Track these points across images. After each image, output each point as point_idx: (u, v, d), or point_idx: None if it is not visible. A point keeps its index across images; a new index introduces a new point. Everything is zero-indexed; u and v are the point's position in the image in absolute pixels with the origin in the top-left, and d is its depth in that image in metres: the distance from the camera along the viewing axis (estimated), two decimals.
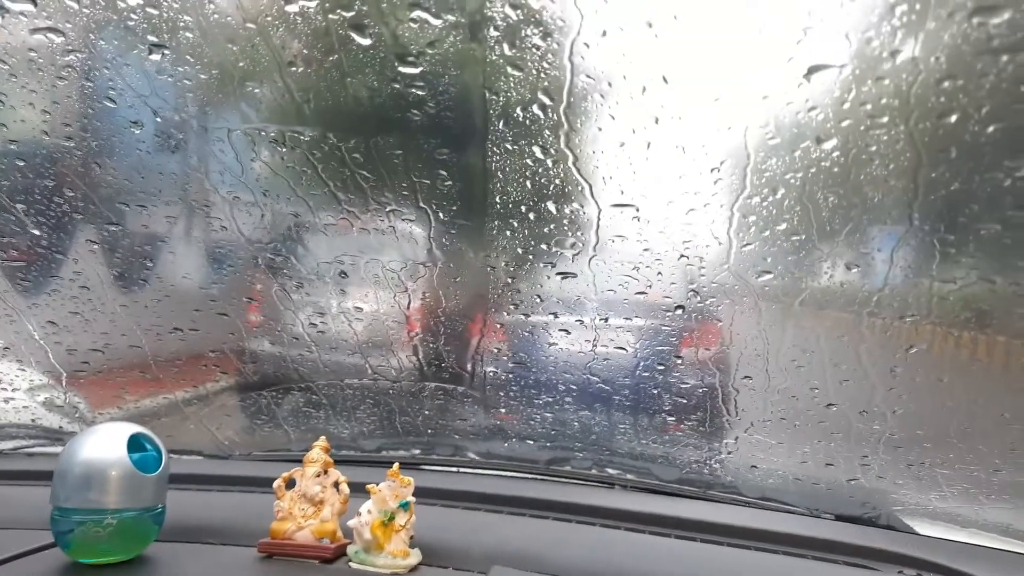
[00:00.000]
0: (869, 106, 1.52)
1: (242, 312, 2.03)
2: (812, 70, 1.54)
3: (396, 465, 1.30)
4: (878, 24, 1.45)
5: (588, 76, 1.69)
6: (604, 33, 1.65)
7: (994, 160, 1.46)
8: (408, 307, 2.00)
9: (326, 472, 1.36)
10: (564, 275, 1.91)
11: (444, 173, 1.88)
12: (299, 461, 1.36)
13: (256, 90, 1.86)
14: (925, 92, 1.45)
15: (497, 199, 1.90)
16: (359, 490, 1.29)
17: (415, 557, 1.28)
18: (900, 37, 1.44)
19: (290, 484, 1.36)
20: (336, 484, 1.35)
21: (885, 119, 1.52)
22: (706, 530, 1.48)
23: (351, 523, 1.28)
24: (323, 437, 1.40)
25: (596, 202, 1.83)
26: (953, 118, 1.46)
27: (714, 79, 1.65)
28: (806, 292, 1.79)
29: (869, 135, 1.56)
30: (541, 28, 1.68)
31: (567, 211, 1.87)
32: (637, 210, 1.81)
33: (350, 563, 1.27)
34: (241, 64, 1.83)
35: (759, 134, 1.67)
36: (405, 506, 1.28)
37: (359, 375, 1.93)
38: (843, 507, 1.61)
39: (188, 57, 1.83)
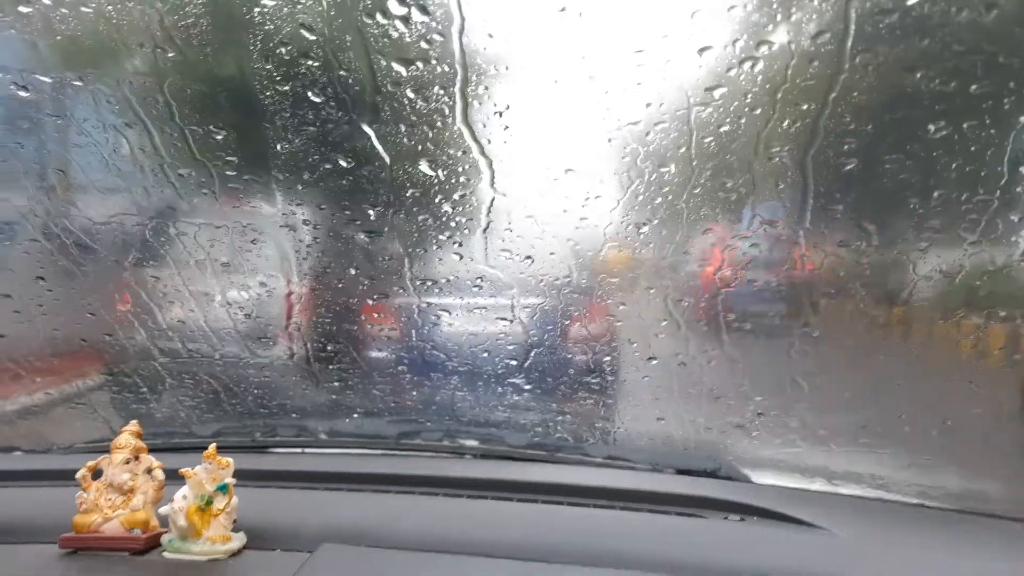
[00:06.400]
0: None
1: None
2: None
3: (212, 446, 1.22)
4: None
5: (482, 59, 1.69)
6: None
7: None
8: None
9: (137, 458, 1.26)
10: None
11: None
12: None
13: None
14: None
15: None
16: (179, 478, 1.21)
17: (238, 541, 1.21)
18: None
19: (98, 474, 1.25)
20: (149, 470, 1.26)
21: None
22: (548, 491, 1.49)
23: (163, 510, 1.19)
24: (134, 421, 1.30)
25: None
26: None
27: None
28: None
29: None
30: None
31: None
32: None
33: (164, 553, 1.18)
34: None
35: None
36: (224, 488, 1.21)
37: (175, 355, 1.81)
38: (685, 461, 1.66)
39: None
